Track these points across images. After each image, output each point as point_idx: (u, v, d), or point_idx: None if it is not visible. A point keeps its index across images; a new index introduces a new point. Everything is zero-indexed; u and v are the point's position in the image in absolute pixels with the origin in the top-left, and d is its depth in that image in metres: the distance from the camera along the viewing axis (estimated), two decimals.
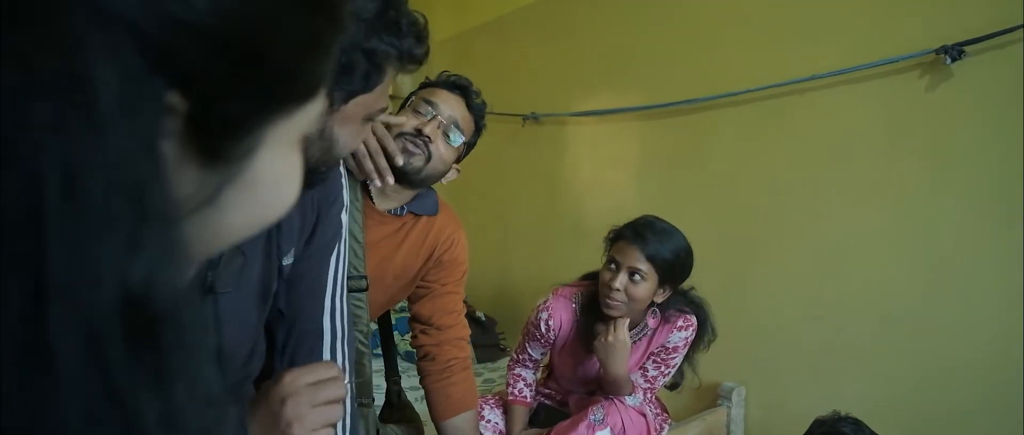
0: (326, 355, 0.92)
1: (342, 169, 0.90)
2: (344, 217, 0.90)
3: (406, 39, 0.69)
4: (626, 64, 2.28)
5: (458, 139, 1.21)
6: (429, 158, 1.17)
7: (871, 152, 1.64)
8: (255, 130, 0.26)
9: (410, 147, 1.16)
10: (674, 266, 1.38)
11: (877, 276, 1.64)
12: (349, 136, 0.72)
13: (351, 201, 1.01)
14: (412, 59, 0.71)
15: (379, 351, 1.47)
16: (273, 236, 0.76)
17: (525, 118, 2.66)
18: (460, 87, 1.25)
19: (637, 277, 1.37)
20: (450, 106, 1.21)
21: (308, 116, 0.29)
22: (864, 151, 1.66)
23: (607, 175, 2.40)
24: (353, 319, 1.20)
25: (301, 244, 0.84)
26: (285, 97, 0.27)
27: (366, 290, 1.18)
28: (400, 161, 1.13)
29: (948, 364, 1.52)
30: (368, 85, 0.67)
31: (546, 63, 2.62)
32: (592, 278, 1.54)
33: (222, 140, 0.25)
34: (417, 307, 1.30)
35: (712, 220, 1.97)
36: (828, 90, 1.72)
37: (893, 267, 1.61)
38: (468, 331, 1.34)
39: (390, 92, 0.95)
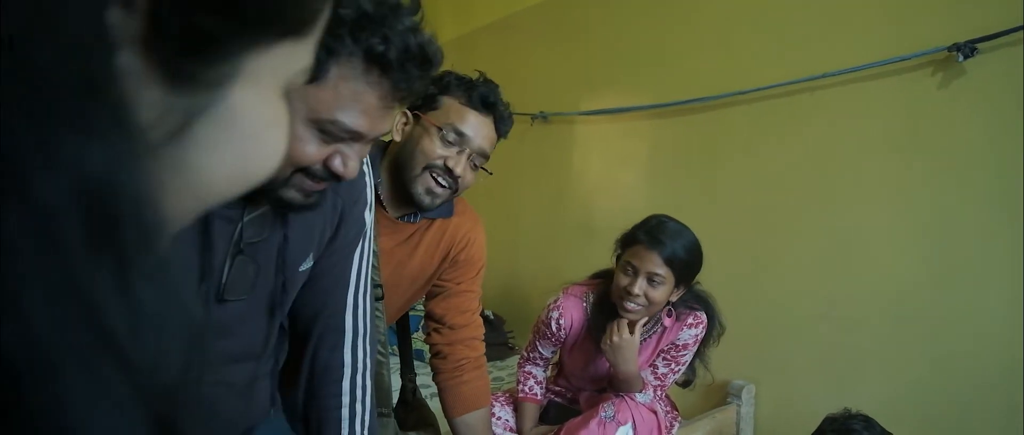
0: (347, 352, 0.94)
1: (366, 167, 0.88)
2: (368, 216, 0.90)
3: (390, 44, 0.60)
4: (635, 62, 2.28)
5: (483, 163, 1.19)
6: (454, 192, 1.15)
7: (883, 150, 1.64)
8: (229, 55, 0.24)
9: (435, 188, 1.12)
10: (690, 265, 1.39)
11: (889, 274, 1.63)
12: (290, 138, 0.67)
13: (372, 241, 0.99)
14: (386, 65, 0.61)
15: (395, 351, 1.48)
16: (282, 250, 0.76)
17: (534, 117, 2.66)
18: (489, 106, 1.17)
19: (656, 280, 1.37)
20: (481, 134, 1.15)
21: (293, 59, 0.27)
22: (876, 149, 1.65)
23: (616, 174, 2.40)
24: (375, 319, 1.21)
25: (322, 246, 0.84)
26: (265, 20, 0.24)
27: (381, 299, 1.18)
28: (425, 202, 1.12)
29: (960, 362, 1.51)
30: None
31: (554, 62, 2.62)
32: (602, 277, 1.54)
33: (189, 57, 0.22)
34: (431, 305, 1.31)
35: (723, 218, 1.97)
36: (839, 88, 1.72)
37: (905, 265, 1.61)
38: (482, 330, 1.34)
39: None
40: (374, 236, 1.13)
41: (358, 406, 0.96)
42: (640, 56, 2.26)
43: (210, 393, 0.78)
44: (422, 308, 1.41)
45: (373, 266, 1.13)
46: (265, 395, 0.87)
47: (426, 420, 1.37)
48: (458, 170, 1.12)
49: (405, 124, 1.17)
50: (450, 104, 1.15)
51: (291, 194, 0.67)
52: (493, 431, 1.41)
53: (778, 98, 1.85)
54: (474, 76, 1.21)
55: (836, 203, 1.73)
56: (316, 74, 0.58)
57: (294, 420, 1.02)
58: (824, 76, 1.71)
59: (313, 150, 0.64)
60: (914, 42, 1.56)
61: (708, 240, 1.44)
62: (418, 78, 0.64)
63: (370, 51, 0.60)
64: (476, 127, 1.14)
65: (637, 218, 1.48)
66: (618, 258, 1.44)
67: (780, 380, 1.87)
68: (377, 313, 1.20)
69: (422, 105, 1.17)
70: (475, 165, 1.16)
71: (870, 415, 1.22)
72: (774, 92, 1.85)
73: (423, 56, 0.63)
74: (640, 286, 1.35)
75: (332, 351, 0.92)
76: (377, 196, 1.17)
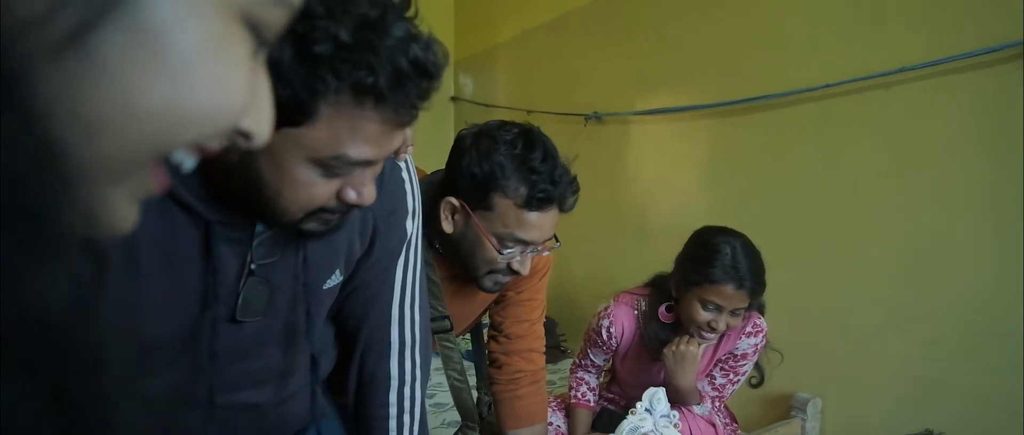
0: (394, 363, 0.93)
1: (404, 175, 0.85)
2: (410, 225, 0.88)
3: (377, 73, 0.54)
4: (693, 60, 2.20)
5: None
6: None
7: (964, 151, 1.52)
8: None
9: (502, 279, 1.06)
10: (764, 286, 1.32)
11: (972, 286, 1.51)
12: (286, 182, 0.59)
13: (421, 251, 0.94)
14: (379, 95, 0.55)
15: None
16: (300, 269, 0.74)
17: (587, 118, 2.61)
18: (558, 199, 1.01)
19: (738, 313, 1.31)
20: (546, 229, 1.03)
21: None
22: (956, 150, 1.53)
23: (672, 176, 2.33)
24: (445, 352, 1.19)
25: (352, 261, 0.82)
26: None
27: (450, 330, 1.14)
28: (491, 289, 1.07)
29: None
30: (294, 116, 0.54)
31: (609, 61, 2.57)
32: (655, 285, 1.49)
33: None
34: (492, 311, 1.29)
35: (788, 223, 1.88)
36: (917, 83, 1.60)
37: (989, 276, 1.48)
38: (542, 341, 1.30)
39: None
40: (434, 268, 1.09)
41: (406, 418, 0.95)
42: (698, 53, 2.18)
43: (226, 415, 0.77)
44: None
45: (436, 297, 1.10)
46: (299, 412, 0.86)
47: None
48: (524, 270, 1.04)
49: (454, 213, 1.04)
50: (505, 206, 0.99)
51: (311, 226, 0.65)
52: None
53: (848, 95, 1.74)
54: (532, 156, 0.99)
55: (913, 207, 1.62)
56: (303, 116, 0.54)
57: (349, 425, 1.02)
58: (900, 71, 1.60)
59: (322, 190, 0.61)
60: (997, 33, 1.43)
61: (772, 246, 1.36)
62: (421, 95, 0.59)
63: (358, 85, 0.55)
64: (540, 228, 1.01)
65: (694, 221, 1.41)
66: (685, 283, 1.35)
67: (849, 395, 1.76)
68: (450, 346, 1.19)
69: (471, 199, 1.01)
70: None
71: None
72: (844, 88, 1.74)
73: (421, 71, 0.57)
74: (724, 322, 1.30)
75: (378, 362, 0.91)
76: (431, 244, 1.09)
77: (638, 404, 0.99)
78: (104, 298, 0.21)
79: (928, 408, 1.56)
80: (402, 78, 0.56)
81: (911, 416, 1.46)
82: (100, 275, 0.21)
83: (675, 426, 0.96)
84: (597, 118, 2.59)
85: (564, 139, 2.69)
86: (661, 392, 0.98)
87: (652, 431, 0.97)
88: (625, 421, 0.98)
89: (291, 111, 0.53)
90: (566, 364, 2.26)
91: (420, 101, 0.59)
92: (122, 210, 0.26)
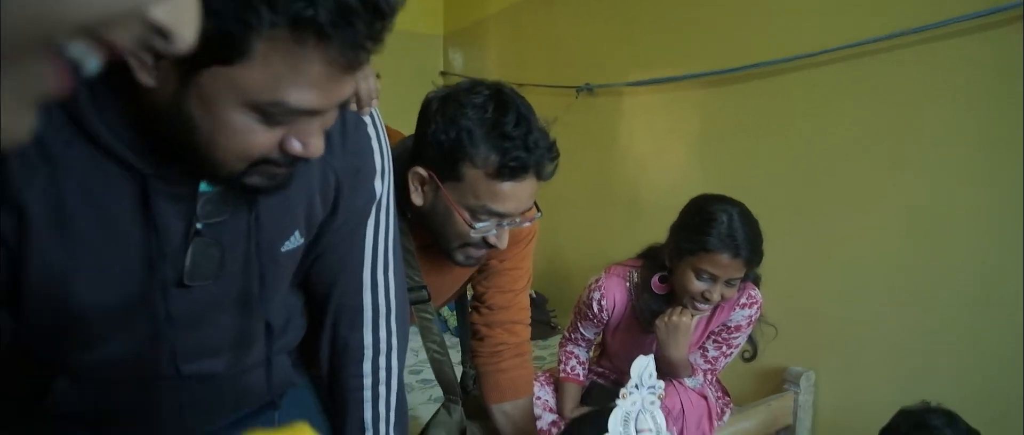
0: (368, 332, 0.88)
1: (371, 131, 0.78)
2: (380, 184, 0.82)
3: (317, 5, 0.48)
4: (685, 29, 2.14)
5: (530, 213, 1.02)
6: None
7: (966, 118, 1.48)
8: None
9: (475, 253, 1.00)
10: (760, 255, 1.28)
11: (972, 254, 1.48)
12: (220, 128, 0.53)
13: (394, 214, 0.88)
14: (321, 31, 0.49)
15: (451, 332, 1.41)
16: (252, 230, 0.68)
17: (579, 90, 2.56)
18: (533, 167, 0.93)
19: (733, 283, 1.27)
20: (522, 200, 0.95)
21: None
22: (958, 117, 1.49)
23: (665, 148, 2.28)
24: (424, 323, 1.14)
25: (314, 223, 0.77)
26: None
27: (428, 301, 1.10)
28: (465, 263, 1.01)
29: None
30: (223, 52, 0.48)
31: (600, 32, 2.51)
32: (648, 256, 1.45)
33: None
34: (475, 282, 1.23)
35: (783, 192, 1.84)
36: (916, 48, 1.55)
37: (990, 244, 1.45)
38: (527, 313, 1.24)
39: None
40: (409, 236, 1.03)
41: (382, 388, 0.90)
42: (690, 21, 2.12)
43: (178, 385, 0.73)
44: None
45: (412, 267, 1.05)
46: (257, 386, 0.81)
47: (485, 412, 1.31)
48: (502, 244, 0.97)
49: (423, 184, 0.97)
50: (476, 177, 0.91)
51: (255, 180, 0.59)
52: (533, 420, 1.32)
53: (844, 62, 1.69)
54: (503, 121, 0.91)
55: (911, 177, 1.58)
56: (235, 53, 0.48)
57: (323, 397, 0.98)
58: (897, 35, 1.55)
59: (261, 139, 0.55)
60: None
61: (767, 217, 1.32)
62: (371, 35, 0.52)
63: (296, 19, 0.48)
64: (515, 199, 0.93)
65: (687, 194, 1.37)
66: (678, 252, 1.30)
67: (845, 367, 1.73)
68: (428, 316, 1.14)
69: (440, 169, 0.93)
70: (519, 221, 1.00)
71: (952, 410, 1.10)
72: (840, 55, 1.69)
73: (370, 5, 0.50)
74: (719, 293, 1.26)
75: (351, 331, 0.87)
76: (402, 211, 1.01)
77: (628, 384, 0.94)
78: (30, 262, 0.17)
79: (925, 380, 1.54)
80: (347, 13, 0.49)
81: (907, 389, 1.44)
82: (22, 234, 0.16)
83: (659, 397, 0.92)
84: (588, 90, 2.54)
85: (554, 112, 2.63)
86: (651, 362, 0.93)
87: (641, 411, 0.93)
88: (616, 410, 0.92)
89: (221, 46, 0.47)
90: (556, 340, 2.23)
91: (370, 42, 0.53)
92: (12, 112, 0.22)
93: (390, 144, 0.83)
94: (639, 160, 2.39)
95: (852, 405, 1.71)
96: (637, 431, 0.89)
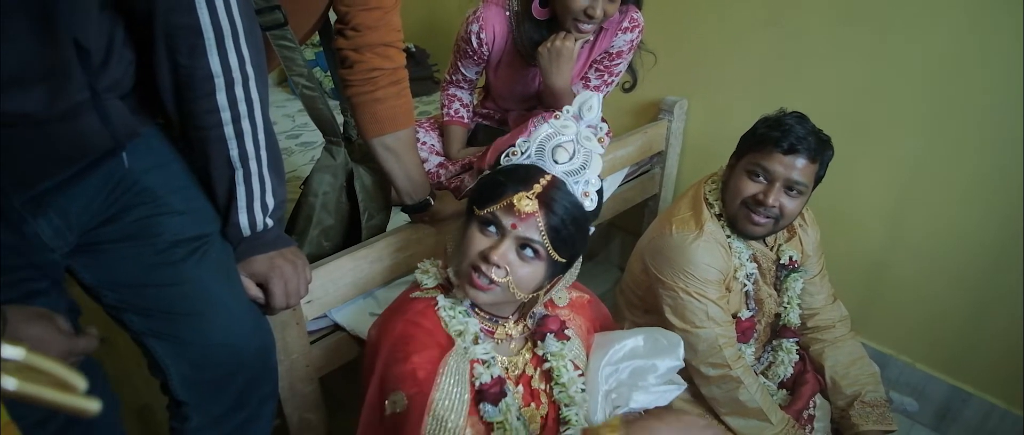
0: (214, 58, 0.76)
1: None
2: None
3: None
4: None
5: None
6: None
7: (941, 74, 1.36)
8: None
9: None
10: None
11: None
12: None
13: None
14: None
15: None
16: None
17: None
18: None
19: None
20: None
21: None
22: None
23: None
24: (285, 54, 1.00)
25: None
26: None
27: (285, 24, 0.96)
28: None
29: (902, 62, 1.47)
30: None
31: None
32: None
33: None
34: (336, 2, 1.04)
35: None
36: None
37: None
38: (399, 35, 1.08)
39: None
40: None
41: (245, 123, 0.81)
42: None
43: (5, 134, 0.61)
44: None
45: None
46: (93, 128, 0.70)
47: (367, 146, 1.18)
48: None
49: None
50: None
51: None
52: (418, 153, 1.27)
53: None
54: None
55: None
56: None
57: (178, 144, 0.88)
58: None
59: None
60: None
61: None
62: None
63: None
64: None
65: None
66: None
67: (714, 93, 1.82)
68: (289, 44, 1.00)
69: None
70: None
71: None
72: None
73: None
74: (601, 7, 1.18)
75: (193, 57, 0.74)
76: None
77: (566, 108, 0.86)
78: None
79: (787, 96, 1.64)
80: None
81: (771, 104, 1.53)
82: None
83: (599, 141, 0.85)
84: None
85: None
86: (595, 98, 0.85)
87: (571, 141, 0.85)
88: (543, 125, 0.85)
89: None
90: (438, 94, 2.17)
91: None
92: None
93: None
94: None
95: (720, 125, 1.84)
96: (555, 162, 0.83)
